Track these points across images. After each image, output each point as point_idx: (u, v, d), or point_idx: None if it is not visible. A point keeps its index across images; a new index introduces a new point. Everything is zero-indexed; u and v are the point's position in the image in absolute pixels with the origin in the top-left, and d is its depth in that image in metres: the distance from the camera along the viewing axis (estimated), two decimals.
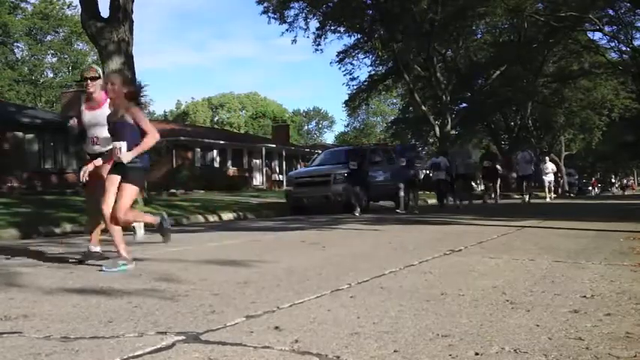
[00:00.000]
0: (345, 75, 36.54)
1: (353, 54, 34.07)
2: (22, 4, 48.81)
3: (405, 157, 14.62)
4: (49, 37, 51.29)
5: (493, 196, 20.05)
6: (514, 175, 25.02)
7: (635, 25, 32.89)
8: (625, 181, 62.01)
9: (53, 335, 2.45)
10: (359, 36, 32.64)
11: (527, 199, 19.01)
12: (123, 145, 4.58)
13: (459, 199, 16.49)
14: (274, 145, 38.39)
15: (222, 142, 35.43)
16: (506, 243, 6.11)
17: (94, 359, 2.11)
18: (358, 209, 13.07)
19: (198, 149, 33.65)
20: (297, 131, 79.51)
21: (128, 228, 6.46)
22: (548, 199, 21.96)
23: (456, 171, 16.63)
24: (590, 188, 48.52)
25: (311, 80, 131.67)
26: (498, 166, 19.97)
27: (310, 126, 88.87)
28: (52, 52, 51.73)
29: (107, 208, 4.62)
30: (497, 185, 20.74)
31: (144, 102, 4.98)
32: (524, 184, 20.22)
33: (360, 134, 72.75)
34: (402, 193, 14.20)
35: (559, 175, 36.62)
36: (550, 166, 22.86)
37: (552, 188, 23.25)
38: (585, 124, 43.17)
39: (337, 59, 33.88)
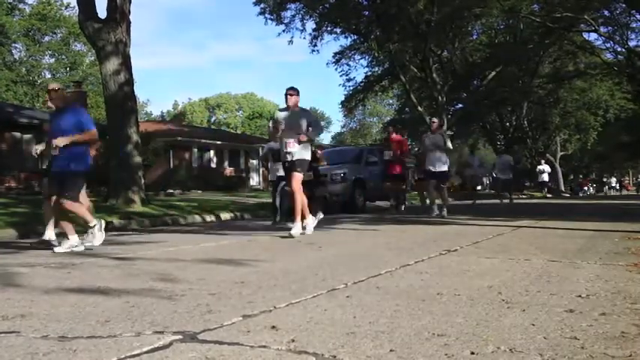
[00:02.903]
0: (341, 76, 36.71)
1: (349, 55, 34.13)
2: (20, 5, 48.76)
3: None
4: (46, 38, 51.23)
5: (396, 204, 14.11)
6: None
7: (630, 26, 33.01)
8: (615, 181, 61.11)
9: (51, 335, 2.46)
10: (355, 37, 32.68)
11: (439, 210, 11.75)
12: None
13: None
14: None
15: (219, 142, 35.42)
16: (501, 243, 6.12)
17: (91, 359, 2.12)
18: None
19: (195, 149, 33.66)
20: None
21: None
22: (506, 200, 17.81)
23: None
24: (578, 188, 48.38)
25: (308, 81, 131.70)
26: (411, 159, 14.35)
27: None
28: (49, 52, 51.66)
29: None
30: (404, 188, 14.86)
31: None
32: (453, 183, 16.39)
33: (356, 135, 72.78)
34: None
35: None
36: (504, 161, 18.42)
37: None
38: (581, 125, 43.33)
39: (334, 60, 33.98)
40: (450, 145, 12.80)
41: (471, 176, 20.40)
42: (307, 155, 7.83)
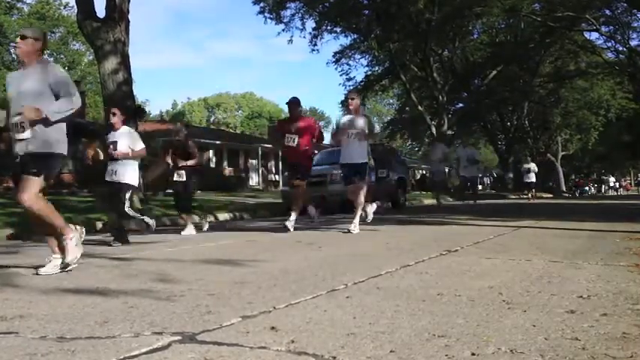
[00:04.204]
0: (341, 75, 36.69)
1: (349, 54, 34.17)
2: (19, 5, 48.74)
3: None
4: None
5: (313, 213, 10.09)
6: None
7: (631, 25, 33.04)
8: (613, 180, 60.59)
9: (49, 335, 2.44)
10: (355, 36, 32.70)
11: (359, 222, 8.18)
12: None
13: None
14: (270, 146, 38.39)
15: (218, 142, 35.39)
16: (502, 243, 6.10)
17: (90, 359, 2.11)
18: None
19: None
20: None
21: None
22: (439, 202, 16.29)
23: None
24: (575, 188, 48.29)
25: (307, 80, 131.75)
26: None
27: None
28: (48, 52, 51.43)
29: None
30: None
31: None
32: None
33: None
34: None
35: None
36: (440, 150, 16.60)
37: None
38: (582, 125, 43.36)
39: (334, 59, 34.00)
40: (377, 128, 8.41)
41: (433, 172, 17.36)
42: (57, 147, 4.66)
